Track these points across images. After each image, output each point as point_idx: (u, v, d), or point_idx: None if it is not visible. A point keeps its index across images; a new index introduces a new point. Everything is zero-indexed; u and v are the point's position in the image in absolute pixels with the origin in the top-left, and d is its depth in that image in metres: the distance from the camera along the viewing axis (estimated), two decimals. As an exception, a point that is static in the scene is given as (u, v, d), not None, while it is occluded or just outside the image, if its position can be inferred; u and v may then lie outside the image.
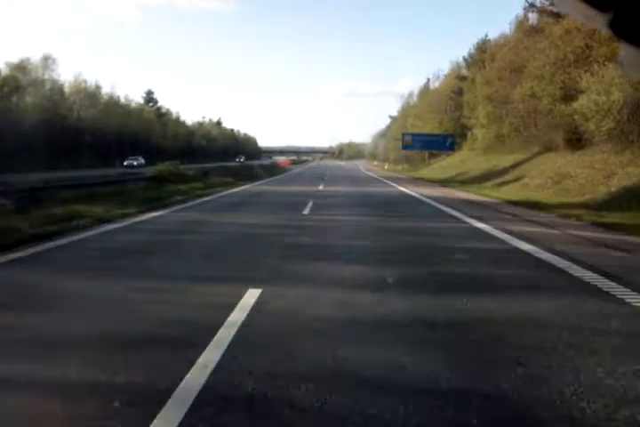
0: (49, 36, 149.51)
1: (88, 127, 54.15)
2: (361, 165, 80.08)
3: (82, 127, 53.08)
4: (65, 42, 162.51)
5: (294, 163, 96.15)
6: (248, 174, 30.09)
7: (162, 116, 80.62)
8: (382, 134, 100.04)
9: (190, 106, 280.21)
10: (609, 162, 17.08)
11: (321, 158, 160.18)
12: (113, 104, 61.57)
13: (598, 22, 0.64)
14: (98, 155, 47.30)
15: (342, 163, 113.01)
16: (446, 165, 42.17)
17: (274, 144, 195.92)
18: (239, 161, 68.89)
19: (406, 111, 62.72)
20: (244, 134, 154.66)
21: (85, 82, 56.75)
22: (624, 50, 0.66)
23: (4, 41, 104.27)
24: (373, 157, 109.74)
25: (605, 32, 0.65)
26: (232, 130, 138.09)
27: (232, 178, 25.32)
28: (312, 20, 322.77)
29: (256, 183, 24.54)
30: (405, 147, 46.93)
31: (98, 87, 58.36)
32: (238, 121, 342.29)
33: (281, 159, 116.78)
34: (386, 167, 56.75)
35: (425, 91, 56.64)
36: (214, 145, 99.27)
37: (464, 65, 46.72)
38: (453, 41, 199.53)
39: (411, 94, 66.43)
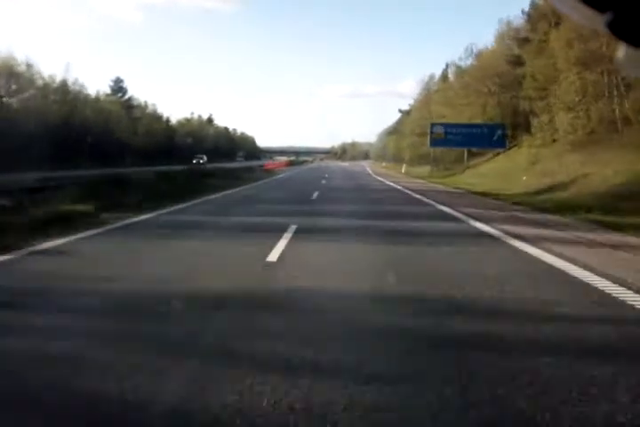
0: (50, 35, 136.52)
1: (14, 118, 40.24)
2: (368, 167, 65.11)
3: (7, 118, 39.09)
4: (66, 40, 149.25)
5: (291, 164, 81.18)
6: (177, 190, 15.64)
7: (132, 108, 66.07)
8: (391, 132, 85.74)
9: (190, 106, 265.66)
10: None
11: (321, 159, 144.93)
12: (55, 89, 47.10)
13: (597, 22, 0.62)
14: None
15: (345, 164, 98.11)
16: (501, 167, 27.60)
17: (275, 144, 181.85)
18: (198, 163, 49.83)
19: (427, 99, 48.08)
20: (242, 133, 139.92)
21: (15, 59, 42.29)
22: (623, 50, 0.64)
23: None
24: (381, 157, 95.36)
25: (604, 32, 0.63)
26: (226, 128, 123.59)
27: (100, 202, 10.85)
28: (314, 20, 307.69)
29: (128, 222, 9.90)
30: (435, 143, 32.36)
31: (29, 66, 43.68)
32: (239, 121, 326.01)
33: (282, 159, 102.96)
34: (403, 171, 42.25)
35: (458, 70, 41.93)
36: (204, 144, 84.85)
37: (524, 24, 32.02)
38: (454, 42, 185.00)
39: (432, 77, 51.73)
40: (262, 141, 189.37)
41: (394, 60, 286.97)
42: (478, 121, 32.82)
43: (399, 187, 22.19)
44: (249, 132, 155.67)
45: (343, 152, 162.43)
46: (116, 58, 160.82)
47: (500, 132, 31.03)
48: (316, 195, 16.28)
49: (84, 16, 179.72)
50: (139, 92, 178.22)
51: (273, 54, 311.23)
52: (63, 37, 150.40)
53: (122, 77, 66.96)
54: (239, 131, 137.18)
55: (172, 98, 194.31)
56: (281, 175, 35.71)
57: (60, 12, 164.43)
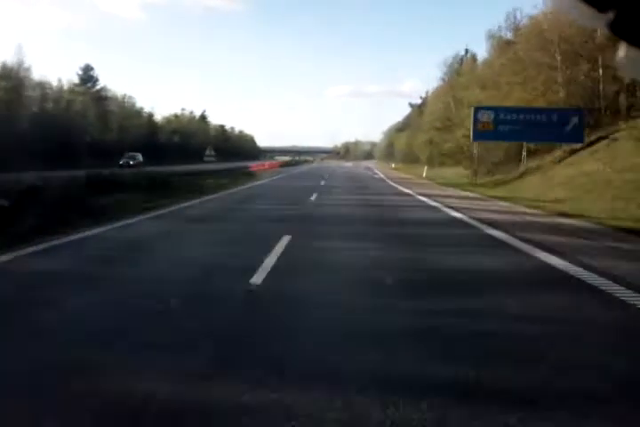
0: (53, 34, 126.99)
1: None
2: (375, 169, 54.47)
3: None
4: (68, 40, 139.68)
5: (287, 164, 70.68)
6: None
7: (103, 100, 55.61)
8: (400, 128, 75.34)
9: (190, 106, 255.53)
10: None
11: (322, 159, 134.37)
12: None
13: (598, 22, 0.61)
14: None
15: (349, 164, 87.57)
16: (597, 173, 17.02)
17: (277, 144, 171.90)
18: (127, 164, 35.44)
19: (451, 83, 37.55)
20: (240, 132, 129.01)
21: None
22: (624, 50, 0.63)
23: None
24: (387, 157, 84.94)
25: (605, 32, 0.62)
26: (222, 126, 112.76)
27: None
28: (316, 19, 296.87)
29: None
30: (480, 135, 21.80)
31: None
32: (241, 121, 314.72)
33: (283, 159, 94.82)
34: (425, 175, 31.90)
35: (499, 40, 31.22)
36: (194, 143, 74.36)
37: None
38: (455, 41, 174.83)
39: (456, 57, 41.14)
40: (264, 141, 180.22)
41: (395, 60, 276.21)
42: (541, 105, 22.35)
43: (457, 214, 11.36)
44: (248, 131, 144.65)
45: (346, 151, 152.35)
46: (116, 56, 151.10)
47: (575, 119, 20.60)
48: (282, 244, 5.99)
49: (85, 15, 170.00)
50: (140, 91, 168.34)
51: (275, 54, 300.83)
52: (63, 36, 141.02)
53: (92, 65, 56.47)
54: (237, 129, 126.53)
55: (172, 97, 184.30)
56: (261, 182, 25.33)
57: (60, 11, 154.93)
